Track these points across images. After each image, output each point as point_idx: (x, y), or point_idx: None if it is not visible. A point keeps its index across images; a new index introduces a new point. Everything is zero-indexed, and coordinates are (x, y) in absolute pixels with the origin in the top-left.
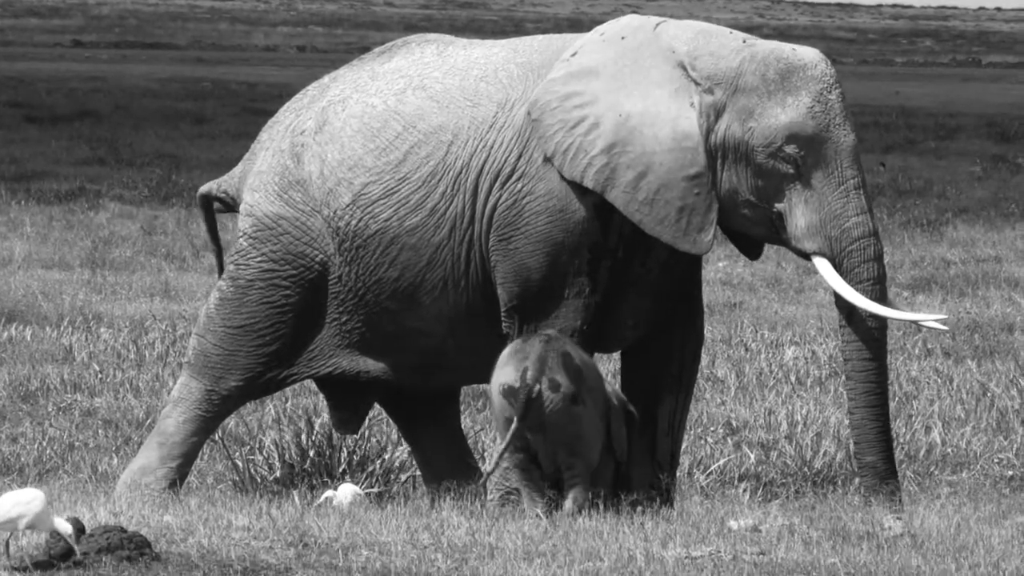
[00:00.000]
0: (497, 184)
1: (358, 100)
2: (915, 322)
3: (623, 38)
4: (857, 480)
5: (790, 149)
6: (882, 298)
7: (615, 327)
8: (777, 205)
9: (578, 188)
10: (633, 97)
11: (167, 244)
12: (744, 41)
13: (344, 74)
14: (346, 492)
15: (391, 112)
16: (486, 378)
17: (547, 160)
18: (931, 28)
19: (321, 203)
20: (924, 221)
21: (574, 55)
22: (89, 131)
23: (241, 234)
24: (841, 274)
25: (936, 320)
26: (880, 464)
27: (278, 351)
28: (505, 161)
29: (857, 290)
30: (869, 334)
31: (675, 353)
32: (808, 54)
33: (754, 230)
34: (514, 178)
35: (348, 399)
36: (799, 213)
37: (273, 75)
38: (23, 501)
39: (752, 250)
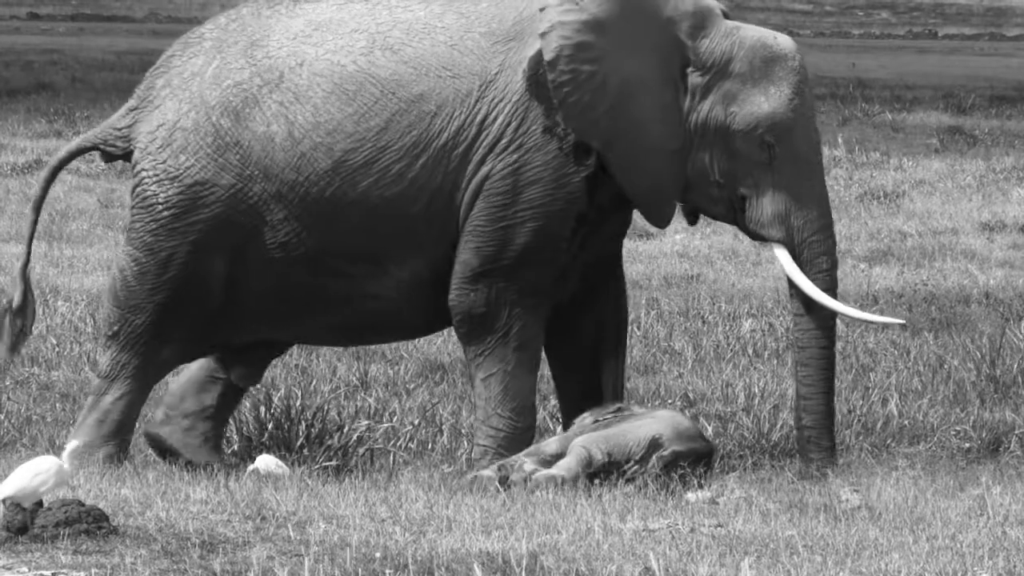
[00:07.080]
0: (492, 155)
1: (318, 56)
2: (871, 323)
3: None
4: (808, 461)
5: (768, 138)
6: (834, 286)
7: (562, 286)
8: (742, 189)
9: (572, 159)
10: (633, 58)
11: (124, 217)
12: (733, 24)
13: (255, 18)
14: (266, 463)
15: (365, 75)
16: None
17: (546, 130)
18: (887, 0)
19: (285, 166)
20: (881, 193)
21: None
22: (46, 104)
23: (163, 202)
24: (800, 263)
25: (894, 321)
26: (833, 448)
27: (206, 320)
28: (502, 133)
29: (816, 279)
30: (825, 323)
31: (608, 325)
32: (786, 44)
33: (713, 209)
34: (511, 149)
35: (256, 355)
36: (766, 201)
37: None
38: (43, 470)
39: (691, 216)
